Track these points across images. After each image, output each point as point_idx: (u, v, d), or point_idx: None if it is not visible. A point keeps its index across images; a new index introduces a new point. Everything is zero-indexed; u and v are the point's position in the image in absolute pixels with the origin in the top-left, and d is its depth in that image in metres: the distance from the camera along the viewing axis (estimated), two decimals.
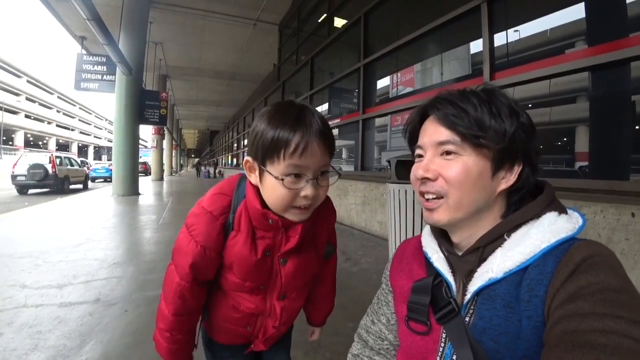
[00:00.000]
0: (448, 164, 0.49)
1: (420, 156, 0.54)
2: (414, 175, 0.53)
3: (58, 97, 51.89)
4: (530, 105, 17.12)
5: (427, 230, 0.61)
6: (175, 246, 0.72)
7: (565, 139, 20.33)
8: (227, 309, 0.77)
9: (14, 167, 10.26)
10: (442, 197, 0.50)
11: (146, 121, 10.19)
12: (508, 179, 0.49)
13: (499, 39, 3.20)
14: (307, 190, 0.60)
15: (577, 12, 2.92)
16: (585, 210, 1.82)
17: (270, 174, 0.60)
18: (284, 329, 0.82)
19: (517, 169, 0.49)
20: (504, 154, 0.48)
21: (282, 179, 0.59)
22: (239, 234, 0.68)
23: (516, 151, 0.48)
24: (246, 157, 0.66)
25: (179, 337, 0.76)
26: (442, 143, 0.50)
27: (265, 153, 0.60)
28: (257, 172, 0.64)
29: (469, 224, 0.51)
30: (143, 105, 9.73)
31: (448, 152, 0.50)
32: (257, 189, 0.66)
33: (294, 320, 0.86)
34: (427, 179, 0.51)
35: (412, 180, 0.55)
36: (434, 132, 0.52)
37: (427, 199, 0.52)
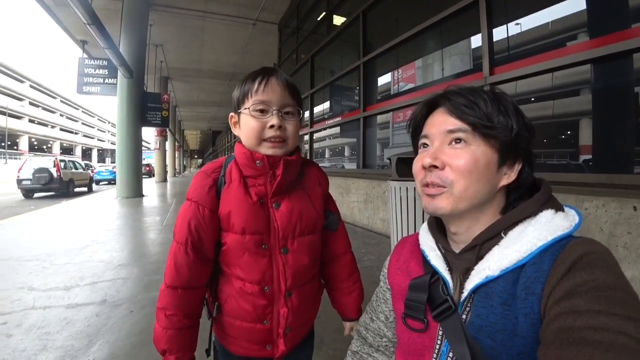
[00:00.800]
0: (457, 152, 0.49)
1: (426, 146, 0.54)
2: (420, 163, 0.52)
3: (61, 101, 52.21)
4: (532, 99, 16.98)
5: (424, 228, 0.62)
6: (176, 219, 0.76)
7: (569, 132, 20.17)
8: (235, 298, 0.74)
9: (19, 171, 10.36)
10: (445, 187, 0.50)
11: (148, 123, 10.23)
12: (509, 175, 0.50)
13: (500, 32, 3.18)
14: (272, 120, 0.69)
15: (578, 3, 2.90)
16: (587, 204, 1.81)
17: (243, 113, 0.72)
18: (301, 314, 0.78)
19: (517, 167, 0.50)
20: (508, 148, 0.49)
21: (249, 109, 0.70)
22: (231, 184, 0.73)
23: (519, 148, 0.50)
24: (230, 115, 0.78)
25: (174, 318, 0.71)
26: (451, 131, 0.50)
27: (238, 102, 0.73)
28: (238, 123, 0.75)
29: (469, 217, 0.51)
30: (145, 108, 9.77)
31: (457, 141, 0.50)
32: (241, 144, 0.74)
33: (310, 308, 0.82)
34: (435, 167, 0.50)
35: (416, 171, 0.54)
36: (443, 122, 0.52)
37: (429, 187, 0.51)
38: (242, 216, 0.71)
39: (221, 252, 0.74)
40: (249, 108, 0.70)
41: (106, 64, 8.52)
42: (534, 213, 0.47)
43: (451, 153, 0.50)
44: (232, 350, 0.78)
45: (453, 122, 0.50)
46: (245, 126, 0.71)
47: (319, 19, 7.82)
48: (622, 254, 1.65)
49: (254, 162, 0.71)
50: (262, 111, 0.70)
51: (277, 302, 0.74)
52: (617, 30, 2.21)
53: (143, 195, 9.31)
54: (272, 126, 0.69)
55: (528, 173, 0.51)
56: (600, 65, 2.48)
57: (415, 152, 0.58)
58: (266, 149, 0.71)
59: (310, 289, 0.80)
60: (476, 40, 3.34)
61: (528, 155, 0.51)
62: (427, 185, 0.52)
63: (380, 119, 6.31)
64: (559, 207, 0.48)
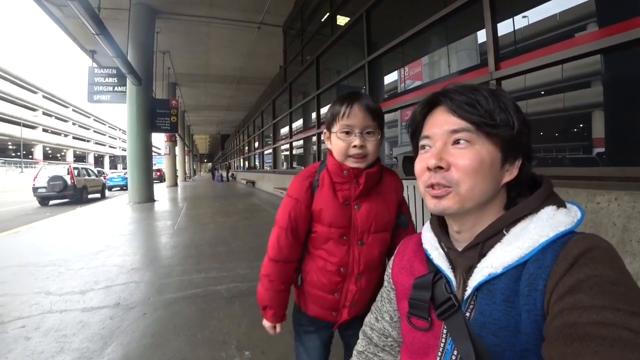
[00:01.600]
0: (461, 152, 0.49)
1: (426, 147, 0.53)
2: (425, 165, 0.52)
3: (73, 110, 53.34)
4: (542, 92, 16.67)
5: (427, 227, 0.62)
6: (279, 209, 0.96)
7: (581, 125, 19.74)
8: (316, 273, 0.94)
9: (34, 179, 10.61)
10: (451, 187, 0.49)
11: (158, 129, 10.38)
12: (511, 172, 0.50)
13: (506, 26, 3.14)
14: (355, 141, 0.85)
15: None
16: (600, 198, 1.76)
17: (333, 133, 0.89)
18: (366, 292, 0.93)
19: (518, 163, 0.50)
20: (510, 145, 0.49)
21: (337, 132, 0.88)
22: (323, 188, 0.92)
23: (520, 144, 0.50)
24: (324, 131, 0.95)
25: (275, 283, 0.95)
26: (455, 131, 0.50)
27: (329, 123, 0.90)
28: (329, 139, 0.92)
29: (473, 215, 0.51)
30: (154, 114, 9.92)
31: (459, 141, 0.49)
32: (332, 156, 0.92)
33: (375, 287, 0.93)
34: (440, 168, 0.49)
35: (419, 172, 0.53)
36: (445, 122, 0.51)
37: (434, 188, 0.51)
38: (330, 213, 0.90)
39: (310, 237, 0.96)
40: (336, 132, 0.88)
41: (115, 72, 8.69)
42: (535, 209, 0.47)
43: (456, 153, 0.49)
44: (308, 312, 0.99)
45: (456, 122, 0.49)
46: (335, 145, 0.89)
47: (322, 19, 7.83)
48: (637, 248, 1.60)
49: (342, 172, 0.89)
50: (347, 133, 0.86)
51: (349, 281, 0.92)
52: (628, 18, 2.15)
53: (154, 200, 9.46)
54: (355, 146, 0.85)
55: (528, 168, 0.51)
56: (611, 56, 2.43)
57: (415, 153, 0.57)
58: (351, 163, 0.88)
59: (377, 274, 0.95)
60: (482, 35, 3.30)
61: (527, 151, 0.51)
62: (431, 186, 0.51)
63: (388, 117, 6.29)
64: (560, 203, 0.47)
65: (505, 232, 0.48)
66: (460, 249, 0.53)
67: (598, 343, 0.33)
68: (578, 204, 0.48)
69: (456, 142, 0.49)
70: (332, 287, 0.93)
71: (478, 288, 0.47)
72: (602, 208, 1.74)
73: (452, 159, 0.49)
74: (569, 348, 0.35)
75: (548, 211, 0.46)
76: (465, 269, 0.51)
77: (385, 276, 0.69)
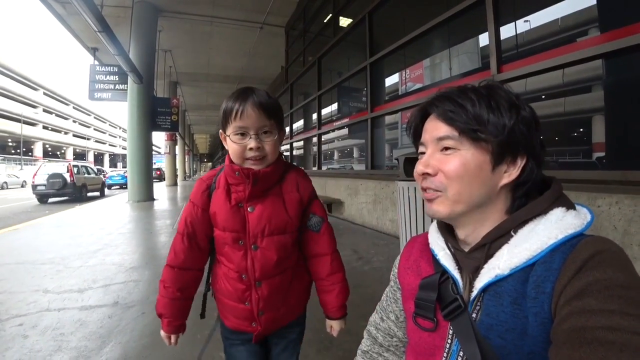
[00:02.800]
0: (447, 158, 0.50)
1: (423, 153, 0.55)
2: (415, 171, 0.54)
3: (74, 107, 53.32)
4: (543, 97, 16.70)
5: (433, 227, 0.61)
6: None
7: (581, 130, 19.76)
8: (222, 279, 0.90)
9: (34, 177, 10.61)
10: (440, 192, 0.51)
11: (158, 128, 10.39)
12: (511, 173, 0.49)
13: (508, 30, 3.15)
14: (251, 143, 0.80)
15: None
16: (601, 202, 1.76)
17: (227, 136, 0.83)
18: (273, 302, 0.89)
19: (520, 163, 0.49)
20: (503, 147, 0.48)
21: (230, 135, 0.82)
22: (218, 189, 0.87)
23: (517, 144, 0.48)
24: (220, 132, 0.88)
25: (169, 290, 0.90)
26: (441, 139, 0.51)
27: (223, 123, 0.84)
28: (225, 140, 0.86)
29: (472, 218, 0.51)
30: (155, 113, 9.93)
31: (447, 148, 0.50)
32: (229, 157, 0.86)
33: (284, 296, 0.91)
34: (428, 174, 0.52)
35: (416, 176, 0.55)
36: (434, 129, 0.52)
37: (427, 192, 0.53)
38: (223, 216, 0.86)
39: (214, 242, 0.91)
40: (229, 135, 0.82)
41: (116, 70, 8.68)
42: (544, 211, 0.47)
43: (442, 159, 0.50)
44: (226, 324, 0.94)
45: (442, 129, 0.51)
46: (230, 148, 0.84)
47: (325, 21, 7.85)
48: (637, 252, 1.60)
49: (234, 173, 0.84)
50: (242, 134, 0.81)
51: (253, 291, 0.88)
52: (629, 24, 2.16)
53: (154, 199, 9.45)
54: (251, 148, 0.81)
55: (534, 168, 0.49)
56: (612, 60, 2.43)
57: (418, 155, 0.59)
58: (249, 165, 0.83)
59: (282, 280, 0.90)
60: (484, 39, 3.31)
61: (532, 150, 0.49)
62: (424, 190, 0.53)
63: (388, 119, 6.30)
64: (570, 205, 0.47)
65: (513, 234, 0.47)
66: (467, 250, 0.53)
67: (607, 348, 0.33)
68: (588, 206, 0.47)
69: (444, 148, 0.51)
70: (238, 295, 0.88)
71: (485, 289, 0.47)
72: (603, 211, 1.74)
73: (439, 164, 0.50)
74: (576, 352, 0.34)
75: (557, 213, 0.45)
76: (471, 269, 0.50)
77: (391, 275, 0.68)
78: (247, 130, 0.80)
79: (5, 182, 20.48)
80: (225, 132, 0.84)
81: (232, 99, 0.82)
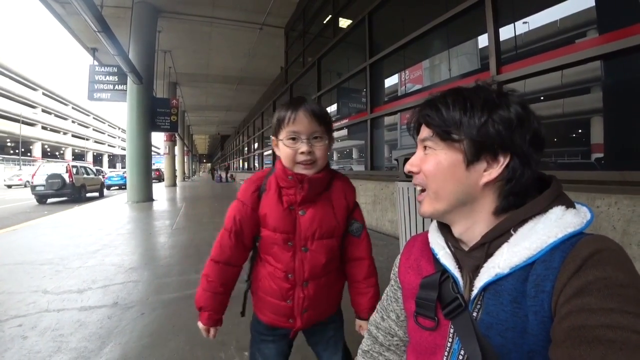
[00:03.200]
0: (426, 158, 0.55)
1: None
2: (404, 169, 0.59)
3: (73, 108, 53.26)
4: (542, 98, 16.73)
5: (433, 226, 0.61)
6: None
7: (580, 131, 19.81)
8: (267, 278, 0.93)
9: (32, 177, 10.58)
10: (425, 190, 0.55)
11: (158, 128, 10.37)
12: (491, 172, 0.49)
13: (507, 31, 3.16)
14: (302, 147, 0.85)
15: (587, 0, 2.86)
16: (600, 202, 1.77)
17: (280, 140, 0.88)
18: (316, 302, 0.93)
19: (502, 161, 0.48)
20: (477, 146, 0.49)
21: (283, 140, 0.86)
22: (269, 192, 0.91)
23: (491, 143, 0.48)
24: (272, 138, 0.92)
25: (213, 284, 0.95)
26: (423, 140, 0.56)
27: (276, 129, 0.89)
28: (277, 146, 0.90)
29: (459, 216, 0.52)
30: (154, 113, 9.91)
31: (426, 147, 0.55)
32: (281, 161, 0.90)
33: (325, 295, 0.95)
34: (413, 172, 0.57)
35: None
36: (422, 131, 0.57)
37: (419, 192, 0.58)
38: (274, 218, 0.89)
39: (260, 242, 0.94)
40: (283, 139, 0.87)
41: (116, 70, 8.67)
42: (543, 210, 0.47)
43: (422, 159, 0.55)
44: (262, 319, 0.97)
45: (424, 132, 0.55)
46: (282, 152, 0.88)
47: (325, 22, 7.86)
48: (636, 252, 1.61)
49: (287, 177, 0.88)
50: (293, 139, 0.85)
51: (298, 288, 0.91)
52: (628, 25, 2.17)
53: (153, 200, 9.43)
54: (302, 152, 0.85)
55: (517, 167, 0.48)
56: (610, 62, 2.44)
57: None
58: (300, 170, 0.87)
59: (327, 281, 0.94)
60: (483, 40, 3.32)
61: (517, 148, 0.48)
62: (417, 188, 0.58)
63: (388, 120, 6.30)
64: (569, 204, 0.47)
65: (512, 232, 0.47)
66: (466, 249, 0.53)
67: (606, 346, 0.33)
68: (587, 205, 0.47)
69: (424, 148, 0.55)
70: (282, 293, 0.92)
71: (485, 288, 0.47)
72: (602, 212, 1.75)
73: (420, 163, 0.55)
74: (576, 351, 0.34)
75: (557, 211, 0.46)
76: (472, 268, 0.51)
77: (391, 275, 0.69)
78: (299, 135, 0.85)
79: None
80: (277, 138, 0.89)
81: (285, 107, 0.87)
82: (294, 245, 0.90)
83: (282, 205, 0.89)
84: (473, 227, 0.52)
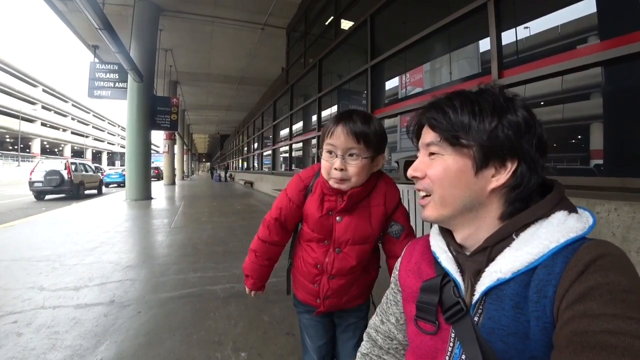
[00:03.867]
0: (431, 163, 0.53)
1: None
2: (407, 173, 0.58)
3: (72, 105, 53.17)
4: (542, 103, 16.77)
5: (435, 230, 0.61)
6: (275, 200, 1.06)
7: (579, 137, 19.86)
8: (301, 261, 1.03)
9: (31, 173, 10.54)
10: (429, 195, 0.54)
11: (157, 127, 10.36)
12: (499, 178, 0.48)
13: (509, 36, 3.16)
14: (336, 163, 0.87)
15: (588, 6, 2.87)
16: (599, 208, 1.77)
17: (321, 150, 0.93)
18: (337, 293, 1.00)
19: (510, 167, 0.48)
20: (486, 151, 0.48)
21: (322, 152, 0.91)
22: (314, 195, 0.97)
23: (501, 148, 0.47)
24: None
25: (260, 258, 1.08)
26: (428, 144, 0.54)
27: (321, 140, 0.94)
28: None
29: (464, 222, 0.51)
30: (154, 111, 9.90)
31: (432, 153, 0.53)
32: None
33: (347, 289, 1.01)
34: (417, 177, 0.55)
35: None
36: (424, 135, 0.56)
37: (422, 197, 0.56)
38: (314, 221, 0.97)
39: (300, 230, 1.05)
40: (322, 151, 0.91)
41: (117, 68, 8.66)
42: (545, 214, 0.46)
43: (428, 163, 0.54)
44: (297, 296, 1.09)
45: (429, 135, 0.54)
46: (322, 162, 0.92)
47: (326, 23, 7.86)
48: (636, 259, 1.61)
49: (328, 187, 0.92)
50: (330, 152, 0.89)
51: (325, 277, 0.99)
52: (629, 32, 2.17)
53: (151, 198, 9.41)
54: (335, 168, 0.88)
55: (525, 173, 0.48)
56: (612, 68, 2.44)
57: None
58: (332, 184, 0.91)
59: (352, 278, 1.00)
60: (484, 44, 3.32)
61: (524, 154, 0.48)
62: (419, 193, 0.56)
63: (387, 123, 6.31)
64: (572, 209, 0.47)
65: (514, 237, 0.47)
66: (468, 253, 0.52)
67: (609, 352, 0.33)
68: (590, 210, 0.47)
69: (430, 153, 0.54)
70: (311, 277, 1.00)
71: (486, 293, 0.46)
72: (602, 218, 1.75)
73: (425, 168, 0.54)
74: (579, 356, 0.34)
75: (559, 216, 0.45)
76: (473, 273, 0.50)
77: (392, 278, 0.68)
78: (334, 150, 0.88)
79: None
80: (321, 148, 0.94)
81: (333, 119, 0.90)
82: (329, 244, 0.97)
83: (321, 212, 0.95)
84: (477, 232, 0.51)
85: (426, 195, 0.54)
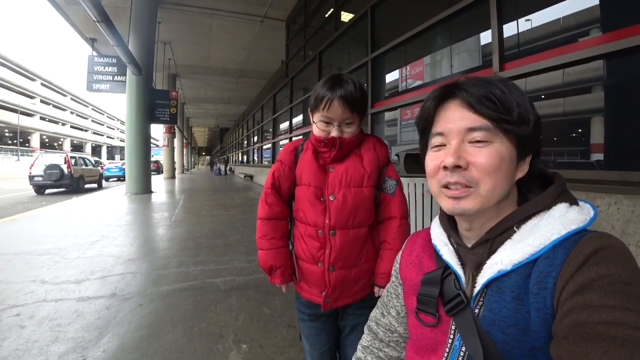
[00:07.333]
0: (481, 151, 0.46)
1: (441, 145, 0.51)
2: (438, 163, 0.50)
3: (71, 98, 52.86)
4: (543, 97, 16.69)
5: (435, 222, 0.61)
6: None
7: (580, 130, 19.79)
8: (300, 240, 1.00)
9: (31, 168, 10.53)
10: (470, 187, 0.47)
11: (157, 120, 10.33)
12: (523, 169, 0.49)
13: (510, 29, 3.13)
14: (333, 132, 0.93)
15: None
16: (599, 201, 1.77)
17: (313, 121, 0.97)
18: (345, 260, 0.95)
19: (528, 159, 0.49)
20: (526, 141, 0.48)
21: (316, 122, 0.96)
22: (306, 151, 1.01)
23: (536, 139, 0.49)
24: (309, 109, 0.99)
25: (273, 240, 1.01)
26: (473, 129, 0.47)
27: (312, 106, 0.96)
28: (312, 117, 0.98)
29: (488, 212, 0.49)
30: (153, 105, 9.86)
31: (478, 140, 0.47)
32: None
33: (355, 260, 0.96)
34: (458, 167, 0.47)
35: (433, 170, 0.51)
36: (461, 118, 0.48)
37: (458, 189, 0.48)
38: (309, 173, 0.98)
39: (294, 202, 1.03)
40: (316, 121, 0.95)
41: (115, 61, 8.61)
42: (547, 206, 0.46)
43: (474, 152, 0.47)
44: (301, 295, 1.03)
45: (473, 118, 0.47)
46: (315, 130, 0.97)
47: (326, 15, 7.78)
48: (635, 252, 1.61)
49: (320, 143, 0.96)
50: (326, 123, 0.94)
51: (327, 245, 0.94)
52: (632, 25, 2.15)
53: (152, 192, 9.42)
54: (332, 136, 0.93)
55: (538, 163, 0.50)
56: (613, 61, 2.42)
57: (424, 149, 0.55)
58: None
59: (356, 234, 0.95)
60: (485, 37, 3.29)
61: (538, 146, 0.50)
62: (446, 186, 0.49)
63: (388, 116, 6.28)
64: (573, 201, 0.47)
65: (515, 229, 0.47)
66: (469, 245, 0.52)
67: (608, 343, 0.33)
68: (591, 202, 0.47)
69: (474, 139, 0.47)
70: (312, 253, 0.96)
71: (487, 285, 0.47)
72: (602, 211, 1.75)
73: (470, 157, 0.47)
74: (578, 347, 0.34)
75: (560, 208, 0.45)
76: (474, 265, 0.50)
77: (392, 271, 0.68)
78: (331, 121, 0.93)
79: None
80: (313, 114, 0.97)
81: (324, 87, 0.92)
82: (325, 200, 0.96)
83: (316, 163, 0.98)
84: (489, 222, 0.50)
85: (465, 187, 0.47)
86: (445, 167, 0.48)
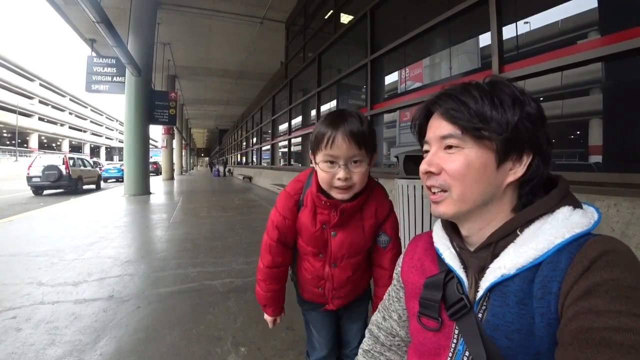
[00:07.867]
0: (450, 157, 0.50)
1: (426, 152, 0.54)
2: (420, 169, 0.55)
3: (70, 99, 52.80)
4: (541, 99, 16.76)
5: (438, 225, 0.60)
6: (268, 219, 1.01)
7: (578, 132, 19.87)
8: (303, 270, 1.03)
9: (29, 168, 10.51)
10: (446, 191, 0.50)
11: (156, 121, 10.31)
12: (516, 171, 0.48)
13: (509, 31, 3.14)
14: (339, 173, 0.81)
15: (589, 0, 2.84)
16: (599, 204, 1.77)
17: (316, 162, 0.86)
18: (344, 295, 1.01)
19: (526, 160, 0.48)
20: (508, 144, 0.47)
21: (319, 163, 0.84)
22: (305, 208, 0.94)
23: (522, 141, 0.47)
24: (310, 151, 0.90)
25: (271, 285, 1.04)
26: (444, 137, 0.50)
27: (313, 146, 0.85)
28: (313, 160, 0.88)
29: (477, 217, 0.50)
30: (152, 106, 9.84)
31: (450, 146, 0.50)
32: (317, 178, 0.88)
33: (352, 290, 1.03)
34: (432, 173, 0.52)
35: (421, 175, 0.55)
36: (437, 127, 0.52)
37: (434, 192, 0.52)
38: (307, 236, 0.95)
39: (297, 244, 1.02)
40: (319, 162, 0.84)
41: (114, 62, 8.59)
42: (550, 210, 0.46)
43: (445, 158, 0.50)
44: (304, 296, 1.08)
45: (445, 127, 0.50)
46: (319, 173, 0.86)
47: (326, 17, 7.80)
48: (635, 254, 1.61)
49: (322, 202, 0.89)
50: (331, 162, 0.82)
51: (328, 284, 1.00)
52: (630, 27, 2.16)
53: (150, 193, 9.39)
54: (339, 178, 0.82)
55: (540, 165, 0.48)
56: (612, 63, 2.43)
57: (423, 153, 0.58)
58: (336, 194, 0.86)
59: (354, 285, 1.02)
60: (484, 39, 3.30)
61: (538, 146, 0.48)
62: (430, 189, 0.53)
63: (387, 118, 6.29)
64: (577, 204, 0.46)
65: (519, 233, 0.47)
66: (472, 249, 0.52)
67: (614, 349, 0.32)
68: (595, 205, 0.47)
69: (447, 146, 0.50)
70: (314, 282, 1.01)
71: (490, 289, 0.46)
72: (601, 213, 1.76)
73: (442, 163, 0.50)
74: (583, 354, 0.34)
75: (564, 212, 0.45)
76: (477, 269, 0.50)
77: (394, 274, 0.68)
78: (336, 160, 0.81)
79: None
80: (315, 156, 0.86)
81: (324, 123, 0.82)
82: (324, 258, 0.97)
83: (315, 227, 0.92)
84: (487, 227, 0.50)
85: (441, 191, 0.51)
86: (423, 173, 0.54)
